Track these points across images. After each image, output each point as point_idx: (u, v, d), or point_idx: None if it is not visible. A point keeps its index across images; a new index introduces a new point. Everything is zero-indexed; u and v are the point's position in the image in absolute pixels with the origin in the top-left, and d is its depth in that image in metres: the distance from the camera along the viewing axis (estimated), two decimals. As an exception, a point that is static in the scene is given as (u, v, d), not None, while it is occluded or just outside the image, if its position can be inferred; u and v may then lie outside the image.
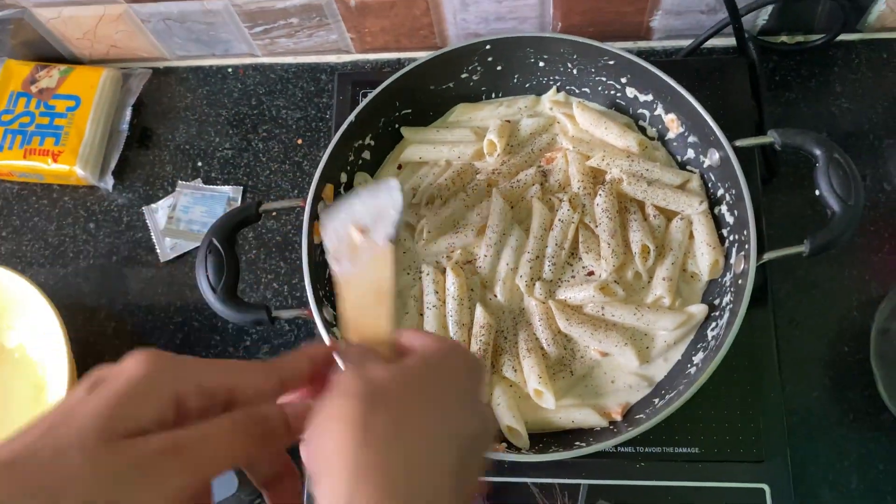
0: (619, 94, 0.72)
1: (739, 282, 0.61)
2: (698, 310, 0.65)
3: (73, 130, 0.86)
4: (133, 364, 0.34)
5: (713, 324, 0.64)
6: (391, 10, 0.81)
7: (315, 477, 0.35)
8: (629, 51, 0.69)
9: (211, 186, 0.85)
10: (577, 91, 0.74)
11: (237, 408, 0.36)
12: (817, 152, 0.61)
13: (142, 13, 0.83)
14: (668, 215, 0.69)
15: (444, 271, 0.68)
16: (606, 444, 0.58)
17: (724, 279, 0.65)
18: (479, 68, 0.73)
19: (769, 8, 0.79)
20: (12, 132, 0.86)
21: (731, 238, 0.65)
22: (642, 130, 0.73)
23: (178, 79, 0.92)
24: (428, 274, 0.68)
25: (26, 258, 0.85)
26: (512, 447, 0.62)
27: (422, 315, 0.67)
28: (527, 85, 0.76)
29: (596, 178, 0.70)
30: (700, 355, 0.63)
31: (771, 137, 0.63)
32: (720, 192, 0.67)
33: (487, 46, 0.70)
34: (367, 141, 0.73)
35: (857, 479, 0.68)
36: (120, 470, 0.31)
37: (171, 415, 0.34)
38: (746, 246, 0.61)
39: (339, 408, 0.36)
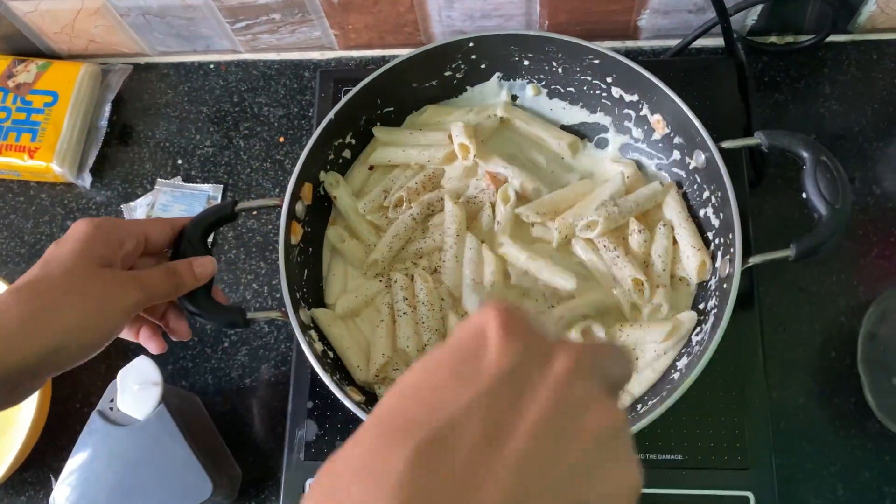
0: (604, 94, 0.71)
1: (724, 286, 0.60)
2: (687, 318, 0.64)
3: (50, 126, 0.84)
4: (83, 225, 0.53)
5: (698, 328, 0.63)
6: (375, 6, 0.79)
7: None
8: (616, 50, 0.67)
9: (191, 185, 0.84)
10: (562, 90, 0.73)
11: (151, 249, 0.57)
12: (804, 154, 0.59)
13: (120, 7, 0.82)
14: (650, 224, 0.68)
15: (412, 278, 0.67)
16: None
17: (710, 283, 0.64)
18: (462, 66, 0.72)
19: (758, 8, 0.78)
20: (-13, 127, 0.84)
21: (717, 241, 0.64)
22: (627, 132, 0.72)
23: (159, 75, 0.90)
24: (396, 281, 0.67)
25: (1, 256, 0.83)
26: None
27: (399, 318, 0.66)
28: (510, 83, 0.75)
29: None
30: (684, 360, 0.62)
31: (758, 139, 0.62)
32: (706, 194, 0.66)
33: (471, 44, 0.69)
34: (348, 139, 0.71)
35: (843, 487, 0.67)
36: (109, 283, 0.51)
37: (119, 253, 0.54)
38: (732, 249, 0.60)
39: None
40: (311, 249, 0.69)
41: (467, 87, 0.74)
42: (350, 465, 0.24)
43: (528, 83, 0.74)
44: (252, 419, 0.74)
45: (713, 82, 0.74)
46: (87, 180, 0.85)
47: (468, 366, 0.26)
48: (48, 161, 0.83)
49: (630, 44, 0.84)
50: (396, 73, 0.68)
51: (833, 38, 0.81)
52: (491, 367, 0.25)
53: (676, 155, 0.68)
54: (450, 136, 0.70)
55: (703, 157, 0.64)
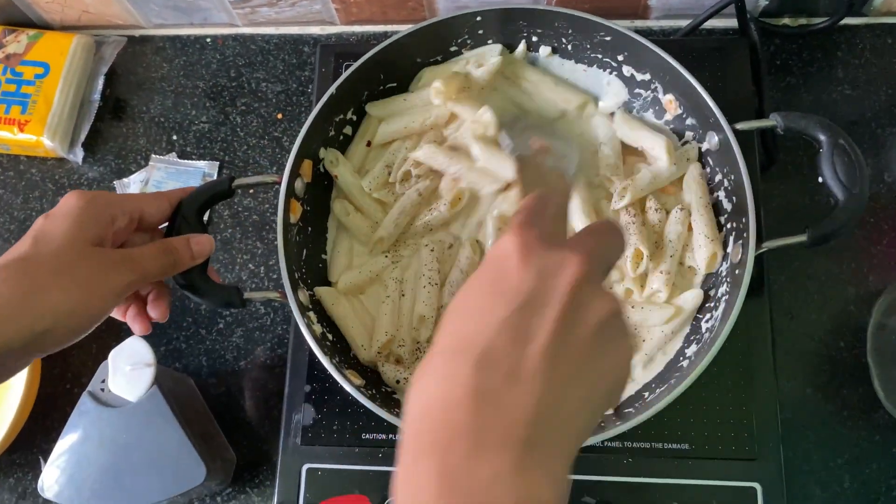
0: (615, 73, 0.69)
1: (737, 272, 0.58)
2: (689, 299, 0.62)
3: (41, 99, 0.81)
4: (74, 199, 0.50)
5: (708, 315, 0.61)
6: (378, -21, 0.77)
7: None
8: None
9: (186, 161, 0.82)
10: (574, 65, 0.71)
11: (145, 225, 0.55)
12: (822, 137, 0.58)
13: (115, -24, 0.79)
14: (668, 208, 0.66)
15: (432, 251, 0.66)
16: (593, 439, 0.55)
17: (721, 269, 0.62)
18: (468, 41, 0.70)
19: (772, -12, 0.76)
20: (-24, 99, 0.81)
21: (729, 226, 0.63)
22: (638, 112, 0.70)
23: (154, 48, 0.88)
24: (432, 249, 0.66)
25: (-11, 232, 0.81)
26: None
27: (403, 296, 0.65)
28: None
29: None
30: (693, 348, 0.60)
31: (773, 121, 0.60)
32: (718, 177, 0.64)
33: (478, 18, 0.67)
34: (349, 116, 0.69)
35: (850, 479, 0.66)
36: (100, 264, 0.49)
37: (111, 230, 0.51)
38: (745, 234, 0.58)
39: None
40: (310, 229, 0.67)
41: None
42: (431, 371, 0.33)
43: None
44: (247, 402, 0.73)
45: (724, 64, 0.72)
46: (79, 155, 0.83)
47: (499, 287, 0.33)
48: (39, 135, 0.80)
49: (639, 23, 0.82)
50: (401, 46, 0.66)
51: (847, 20, 0.79)
52: (515, 287, 0.33)
53: (689, 136, 0.66)
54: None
55: (716, 138, 0.62)
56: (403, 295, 0.65)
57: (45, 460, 0.63)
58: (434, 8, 0.81)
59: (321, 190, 0.69)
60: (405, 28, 0.67)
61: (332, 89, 0.64)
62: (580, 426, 0.32)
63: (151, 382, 0.62)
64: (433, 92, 0.67)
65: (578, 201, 0.65)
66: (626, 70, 0.68)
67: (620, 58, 0.67)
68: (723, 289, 0.60)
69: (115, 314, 0.56)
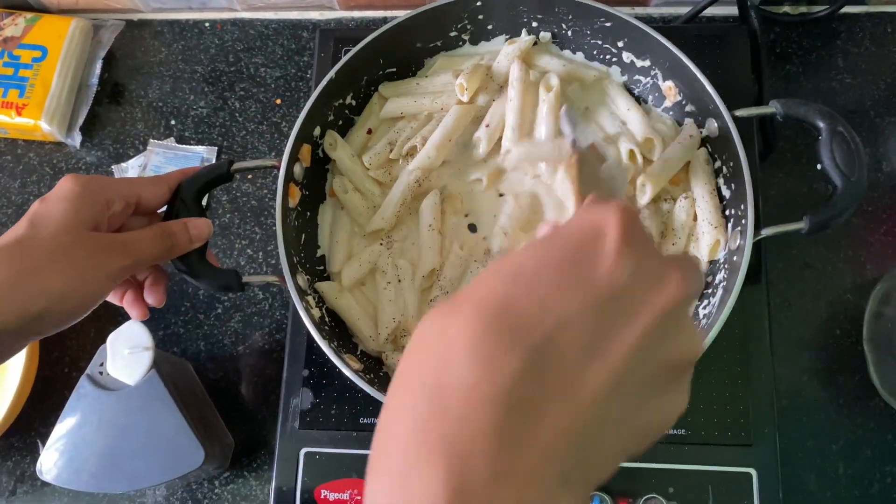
0: (615, 59, 0.69)
1: (734, 258, 0.59)
2: None
3: (38, 83, 0.81)
4: (70, 183, 0.50)
5: (705, 302, 0.61)
6: (378, -36, 0.77)
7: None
8: (626, 15, 0.65)
9: (184, 146, 0.81)
10: (571, 55, 0.71)
11: (143, 209, 0.55)
12: (821, 125, 0.58)
13: (113, -41, 0.79)
14: (675, 196, 0.66)
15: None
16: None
17: (719, 255, 0.63)
18: (468, 26, 0.69)
19: (773, -25, 0.75)
20: (-27, 82, 0.81)
21: (728, 213, 0.63)
22: (637, 99, 0.70)
23: (153, 32, 0.87)
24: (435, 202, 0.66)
25: (-13, 216, 0.81)
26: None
27: (400, 281, 0.65)
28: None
29: None
30: (691, 334, 0.60)
31: (773, 108, 0.60)
32: (717, 164, 0.64)
33: (478, 3, 0.66)
34: (348, 100, 0.69)
35: (844, 466, 0.66)
36: (95, 248, 0.49)
37: (107, 214, 0.51)
38: (743, 221, 0.58)
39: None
40: (308, 214, 0.67)
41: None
42: (462, 332, 0.25)
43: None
44: (245, 387, 0.73)
45: (724, 51, 0.72)
46: (76, 139, 0.82)
47: (582, 268, 0.27)
48: (36, 119, 0.80)
49: (639, 10, 0.82)
50: (401, 31, 0.66)
51: (847, 9, 0.79)
52: (604, 278, 0.26)
53: (688, 123, 0.66)
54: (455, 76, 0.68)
55: (715, 125, 0.62)
56: (400, 281, 0.65)
57: (44, 443, 0.63)
58: (434, -7, 0.81)
59: (320, 175, 0.69)
60: (405, 13, 0.66)
61: (331, 74, 0.64)
62: (610, 469, 0.27)
63: (150, 366, 0.62)
64: (458, 89, 0.67)
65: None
66: (626, 56, 0.68)
67: (620, 44, 0.67)
68: (720, 275, 0.61)
69: (113, 299, 0.56)
